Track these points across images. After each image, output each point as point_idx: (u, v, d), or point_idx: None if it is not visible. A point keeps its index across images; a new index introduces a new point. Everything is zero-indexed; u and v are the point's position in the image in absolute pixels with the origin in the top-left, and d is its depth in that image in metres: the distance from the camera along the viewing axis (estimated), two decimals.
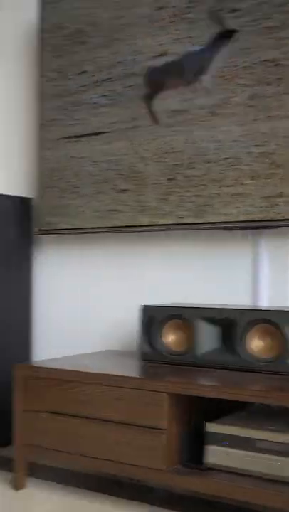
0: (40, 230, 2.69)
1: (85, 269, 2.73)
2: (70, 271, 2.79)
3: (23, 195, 2.90)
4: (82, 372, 2.03)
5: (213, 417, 1.98)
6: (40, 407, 2.12)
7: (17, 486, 2.14)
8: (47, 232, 2.67)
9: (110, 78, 2.37)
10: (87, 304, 2.73)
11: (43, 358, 2.81)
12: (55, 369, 2.11)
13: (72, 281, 2.79)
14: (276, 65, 2.02)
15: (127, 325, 2.63)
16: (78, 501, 2.06)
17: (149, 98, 2.28)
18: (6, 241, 2.73)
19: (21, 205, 2.76)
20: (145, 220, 2.33)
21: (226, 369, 1.99)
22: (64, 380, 2.08)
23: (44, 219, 2.65)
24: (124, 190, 2.37)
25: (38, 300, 2.90)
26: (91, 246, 2.72)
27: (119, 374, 1.95)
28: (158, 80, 2.26)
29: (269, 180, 2.04)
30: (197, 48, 2.17)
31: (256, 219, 2.08)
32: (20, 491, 2.13)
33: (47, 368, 2.14)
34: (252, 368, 1.92)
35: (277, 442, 1.66)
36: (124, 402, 1.91)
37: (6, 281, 2.72)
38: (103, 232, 2.47)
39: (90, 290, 2.73)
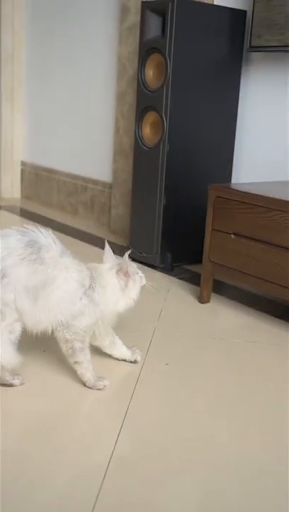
0: (251, 46, 2.59)
1: None
2: (276, 95, 2.71)
3: (237, 6, 2.76)
4: (272, 198, 2.09)
5: None
6: (229, 228, 2.20)
7: (202, 299, 2.39)
8: (258, 49, 2.58)
9: None
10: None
11: (241, 182, 2.80)
12: (248, 193, 2.18)
13: (280, 106, 2.69)
14: None
15: None
16: (253, 321, 2.25)
17: None
18: (215, 57, 2.70)
19: (234, 18, 2.71)
20: None
21: None
22: (254, 205, 2.13)
23: (257, 35, 2.55)
24: None
25: (241, 123, 2.84)
26: None
27: None
28: None
29: None
30: None
31: None
32: (205, 305, 2.39)
33: (240, 191, 2.21)
34: None
35: None
36: None
37: (211, 101, 2.73)
38: None
39: None
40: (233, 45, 2.75)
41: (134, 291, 1.72)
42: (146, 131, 2.82)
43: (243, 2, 2.76)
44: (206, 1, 2.82)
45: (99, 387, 1.68)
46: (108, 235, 3.52)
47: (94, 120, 3.80)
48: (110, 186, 3.64)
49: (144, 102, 2.77)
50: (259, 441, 1.48)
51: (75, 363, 1.67)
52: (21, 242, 1.57)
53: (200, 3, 2.73)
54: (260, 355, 1.97)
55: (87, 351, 1.68)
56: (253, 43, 2.60)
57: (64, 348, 1.66)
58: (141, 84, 2.77)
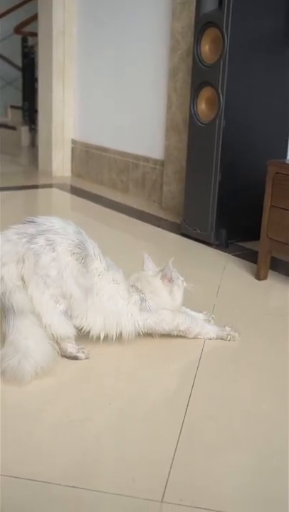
0: None
1: None
2: None
3: None
4: None
5: None
6: (286, 205, 2.17)
7: (259, 276, 2.39)
8: None
9: None
10: None
11: None
12: None
13: None
14: None
15: None
16: None
17: None
18: (272, 30, 2.69)
19: None
20: None
21: None
22: None
23: None
24: None
25: None
26: None
27: None
28: None
29: None
30: None
31: None
32: (262, 282, 2.40)
33: None
34: None
35: None
36: None
37: (269, 76, 2.73)
38: None
39: None
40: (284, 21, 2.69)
41: (178, 295, 1.81)
42: (202, 106, 2.80)
43: None
44: None
45: (226, 339, 1.86)
46: (159, 212, 3.53)
47: (145, 97, 3.78)
48: (162, 163, 3.64)
49: (199, 77, 2.75)
50: None
51: (195, 336, 1.84)
52: (75, 237, 1.64)
53: None
54: None
55: (195, 323, 1.84)
56: None
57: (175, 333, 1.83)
58: (196, 59, 2.74)
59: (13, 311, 1.56)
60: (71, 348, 1.69)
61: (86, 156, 4.44)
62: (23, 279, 1.58)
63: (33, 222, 1.63)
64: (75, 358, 1.69)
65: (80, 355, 1.70)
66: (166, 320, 1.77)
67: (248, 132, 2.75)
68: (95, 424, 1.41)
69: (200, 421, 1.44)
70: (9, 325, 1.57)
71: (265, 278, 2.39)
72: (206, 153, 2.76)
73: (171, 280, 1.79)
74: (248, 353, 1.82)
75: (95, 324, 1.67)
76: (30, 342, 1.55)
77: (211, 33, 2.66)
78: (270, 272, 2.43)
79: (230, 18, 2.53)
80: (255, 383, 1.64)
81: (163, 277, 1.79)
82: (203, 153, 2.78)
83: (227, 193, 2.78)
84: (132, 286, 1.76)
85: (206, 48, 2.71)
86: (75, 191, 4.12)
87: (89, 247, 1.66)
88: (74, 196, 4.02)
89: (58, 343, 1.67)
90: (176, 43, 3.33)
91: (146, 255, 1.87)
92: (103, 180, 4.27)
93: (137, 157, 3.90)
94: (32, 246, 1.57)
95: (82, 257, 1.62)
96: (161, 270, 1.81)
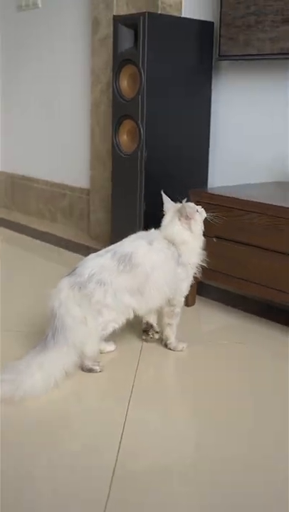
0: (220, 56, 2.74)
1: (263, 96, 2.75)
2: (247, 99, 2.82)
3: (205, 18, 2.90)
4: (249, 201, 2.21)
5: None
6: (211, 232, 2.24)
7: (187, 302, 2.36)
8: (227, 58, 2.73)
9: None
10: (262, 135, 2.78)
11: (217, 186, 2.90)
12: (226, 196, 2.29)
13: (249, 111, 2.82)
14: None
15: None
16: (238, 322, 2.32)
17: None
18: (186, 66, 2.82)
19: (202, 30, 2.81)
20: None
21: None
22: (232, 208, 2.25)
23: (224, 45, 2.71)
24: None
25: (214, 128, 2.95)
26: (269, 75, 2.72)
27: (284, 205, 2.09)
28: None
29: None
30: None
31: None
32: (190, 308, 2.44)
33: (218, 195, 2.33)
34: None
35: None
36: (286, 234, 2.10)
37: (186, 108, 2.85)
38: (283, 58, 2.54)
39: (264, 121, 2.76)
40: (203, 54, 2.84)
41: (197, 229, 1.99)
42: (124, 138, 2.89)
43: (210, 15, 2.88)
44: (174, 14, 2.94)
45: (179, 349, 2.04)
46: (88, 240, 3.58)
47: (70, 128, 3.86)
48: (88, 193, 3.71)
49: (119, 111, 2.85)
50: (256, 442, 1.55)
51: (168, 324, 2.03)
52: (113, 260, 1.86)
53: (170, 16, 2.86)
54: (247, 356, 2.06)
55: (179, 317, 2.02)
56: (222, 53, 2.72)
57: (166, 309, 2.01)
58: (116, 94, 2.84)
59: (58, 341, 1.76)
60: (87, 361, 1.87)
61: (11, 186, 4.46)
62: (85, 317, 1.81)
63: (75, 274, 1.84)
64: (91, 370, 1.88)
65: (96, 367, 1.88)
66: (183, 287, 2.00)
67: (170, 162, 2.86)
68: (28, 463, 1.41)
69: (133, 456, 1.46)
70: (35, 350, 1.77)
71: (193, 304, 2.49)
72: (130, 183, 2.85)
73: (187, 218, 1.96)
74: (180, 378, 1.88)
75: (155, 302, 1.92)
76: (37, 376, 1.70)
77: (128, 69, 2.77)
78: (197, 298, 2.52)
79: (145, 56, 2.65)
80: (190, 411, 1.69)
81: (180, 218, 1.96)
82: (127, 183, 2.87)
83: (152, 221, 2.86)
84: (166, 240, 1.96)
85: (124, 83, 2.82)
86: (1, 222, 4.12)
87: (126, 249, 1.88)
88: (0, 228, 4.02)
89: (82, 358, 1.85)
90: (97, 78, 3.42)
91: (164, 194, 2.04)
92: (30, 210, 4.30)
93: (63, 186, 3.96)
94: (84, 292, 1.81)
95: (127, 263, 1.85)
96: (178, 210, 1.97)
